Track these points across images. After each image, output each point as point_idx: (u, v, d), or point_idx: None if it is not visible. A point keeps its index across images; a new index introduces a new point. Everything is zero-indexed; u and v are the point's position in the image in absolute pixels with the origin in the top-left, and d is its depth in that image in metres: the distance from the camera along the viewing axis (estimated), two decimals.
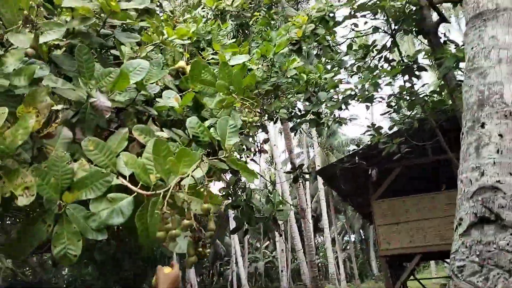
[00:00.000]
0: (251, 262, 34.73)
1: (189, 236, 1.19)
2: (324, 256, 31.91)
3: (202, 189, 1.18)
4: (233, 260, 26.59)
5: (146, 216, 1.12)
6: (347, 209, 30.61)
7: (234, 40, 4.37)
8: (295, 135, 13.15)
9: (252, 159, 4.73)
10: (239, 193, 3.95)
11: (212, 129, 1.66)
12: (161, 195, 1.12)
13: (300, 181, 5.02)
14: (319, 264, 39.47)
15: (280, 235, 34.40)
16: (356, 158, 7.24)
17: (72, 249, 1.05)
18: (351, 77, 6.32)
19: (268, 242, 39.11)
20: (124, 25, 1.96)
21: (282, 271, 20.74)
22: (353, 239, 39.13)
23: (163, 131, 1.68)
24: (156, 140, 1.19)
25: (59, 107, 1.27)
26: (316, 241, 40.84)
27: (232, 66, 2.32)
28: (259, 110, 2.90)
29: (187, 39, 2.58)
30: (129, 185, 1.19)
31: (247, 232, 4.02)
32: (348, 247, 37.95)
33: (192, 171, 1.17)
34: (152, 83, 1.73)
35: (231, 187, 3.82)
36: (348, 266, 38.48)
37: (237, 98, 2.12)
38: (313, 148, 29.46)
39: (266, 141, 4.84)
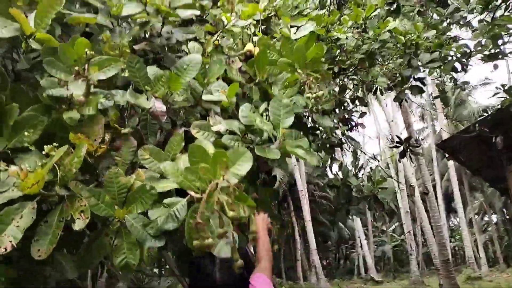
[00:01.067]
0: (378, 245, 33.53)
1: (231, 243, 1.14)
2: (460, 239, 29.02)
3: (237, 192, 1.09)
4: (358, 244, 25.99)
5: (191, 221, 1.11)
6: (484, 186, 27.20)
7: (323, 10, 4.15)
8: (400, 105, 11.96)
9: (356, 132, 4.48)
10: (335, 172, 3.77)
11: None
12: (202, 202, 1.08)
13: (407, 156, 4.55)
14: (455, 247, 36.12)
15: (390, 216, 32.26)
16: (477, 126, 6.28)
17: (132, 258, 1.13)
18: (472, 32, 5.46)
19: (395, 225, 37.23)
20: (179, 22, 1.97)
21: (411, 254, 19.50)
22: (494, 220, 34.73)
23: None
24: (192, 146, 1.16)
25: (126, 130, 1.36)
26: (450, 223, 37.43)
27: (297, 40, 2.17)
28: (332, 83, 2.65)
29: (255, 18, 2.49)
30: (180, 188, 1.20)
31: (349, 212, 3.82)
32: (489, 229, 33.87)
33: (234, 173, 1.10)
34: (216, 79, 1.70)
35: (325, 166, 3.66)
36: (490, 249, 34.42)
37: (302, 74, 1.96)
38: (438, 121, 26.84)
39: (362, 115, 4.52)
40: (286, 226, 27.52)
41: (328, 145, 4.03)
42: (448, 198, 29.09)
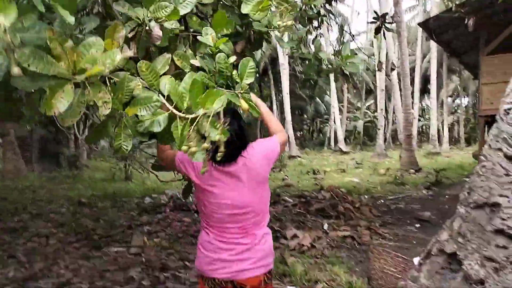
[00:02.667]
0: (351, 120, 35.27)
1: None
2: (429, 119, 30.71)
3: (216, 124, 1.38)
4: (332, 118, 27.28)
5: (178, 131, 1.38)
6: (462, 70, 27.76)
7: None
8: None
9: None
10: (307, 45, 3.92)
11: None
12: (189, 120, 1.37)
13: (382, 32, 4.66)
14: (423, 126, 38.39)
15: (367, 94, 33.36)
16: (454, 7, 6.23)
17: (125, 145, 1.46)
18: None
19: (371, 102, 38.61)
20: None
21: (379, 129, 20.82)
22: (465, 104, 36.37)
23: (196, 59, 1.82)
24: (194, 79, 1.39)
25: (130, 53, 1.54)
26: (423, 103, 38.97)
27: None
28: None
29: None
30: (167, 105, 1.45)
31: (316, 83, 4.08)
32: (459, 111, 35.70)
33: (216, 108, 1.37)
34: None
35: (300, 40, 3.78)
36: (456, 130, 36.83)
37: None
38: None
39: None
40: (265, 99, 28.25)
41: (305, 18, 4.09)
42: (426, 79, 29.79)
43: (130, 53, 1.55)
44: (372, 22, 4.86)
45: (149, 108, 1.43)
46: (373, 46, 26.79)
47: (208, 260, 1.92)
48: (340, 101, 31.88)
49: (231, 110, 1.88)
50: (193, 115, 1.36)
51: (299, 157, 20.99)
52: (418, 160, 14.25)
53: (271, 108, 27.65)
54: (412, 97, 22.82)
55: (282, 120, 24.59)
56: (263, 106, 2.12)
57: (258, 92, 27.82)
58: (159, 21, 1.63)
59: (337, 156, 22.46)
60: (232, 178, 1.88)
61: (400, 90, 15.36)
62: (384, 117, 24.97)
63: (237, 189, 1.88)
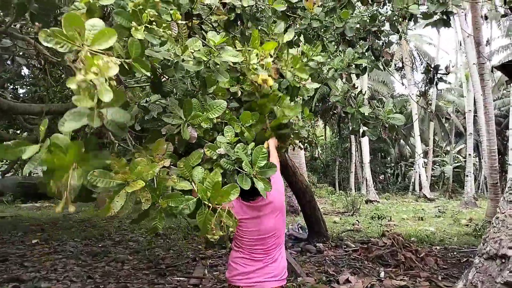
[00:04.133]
0: (439, 165, 33.11)
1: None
2: None
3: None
4: (417, 162, 26.00)
5: (202, 218, 1.87)
6: None
7: None
8: (485, 20, 10.90)
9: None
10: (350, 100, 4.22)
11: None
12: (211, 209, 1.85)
13: (434, 84, 4.75)
14: None
15: (457, 137, 30.99)
16: None
17: (159, 225, 1.85)
18: None
19: (462, 146, 35.95)
20: None
21: (467, 175, 19.36)
22: None
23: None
24: (216, 183, 1.89)
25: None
26: None
27: None
28: None
29: None
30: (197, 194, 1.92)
31: (364, 134, 4.33)
32: None
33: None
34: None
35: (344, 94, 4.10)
36: None
37: None
38: None
39: (389, 44, 4.66)
40: (345, 140, 28.09)
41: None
42: None
43: (167, 162, 1.97)
44: (423, 73, 4.99)
45: (178, 202, 1.83)
46: (461, 87, 25.44)
47: (237, 272, 2.48)
48: (426, 144, 30.34)
49: None
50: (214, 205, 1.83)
51: (378, 201, 20.26)
52: None
53: (350, 149, 27.36)
54: (507, 141, 20.96)
55: (361, 163, 24.13)
56: (273, 156, 2.55)
57: (337, 133, 27.83)
58: (195, 126, 2.14)
59: (420, 203, 21.22)
60: (258, 211, 2.41)
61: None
62: (476, 163, 23.14)
63: (263, 219, 2.42)
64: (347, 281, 5.45)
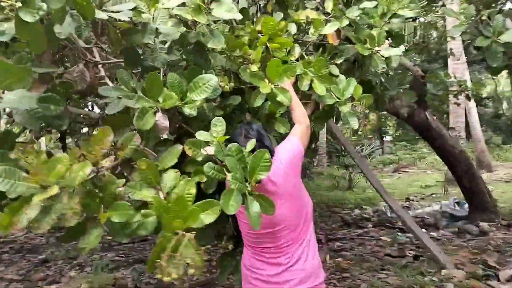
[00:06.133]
0: None
1: None
2: None
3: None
4: None
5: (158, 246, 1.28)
6: None
7: None
8: None
9: None
10: None
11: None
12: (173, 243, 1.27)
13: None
14: None
15: None
16: None
17: (90, 247, 1.38)
18: None
19: None
20: None
21: None
22: None
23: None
24: (179, 198, 1.32)
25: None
26: None
27: None
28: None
29: None
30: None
31: None
32: None
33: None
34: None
35: None
36: None
37: None
38: None
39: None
40: None
41: None
42: None
43: (107, 162, 1.45)
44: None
45: (121, 216, 1.36)
46: None
47: (248, 280, 1.89)
48: None
49: (256, 129, 1.80)
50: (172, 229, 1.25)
51: None
52: None
53: None
54: None
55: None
56: (294, 95, 2.00)
57: None
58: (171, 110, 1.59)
59: None
60: None
61: None
62: None
63: None
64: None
